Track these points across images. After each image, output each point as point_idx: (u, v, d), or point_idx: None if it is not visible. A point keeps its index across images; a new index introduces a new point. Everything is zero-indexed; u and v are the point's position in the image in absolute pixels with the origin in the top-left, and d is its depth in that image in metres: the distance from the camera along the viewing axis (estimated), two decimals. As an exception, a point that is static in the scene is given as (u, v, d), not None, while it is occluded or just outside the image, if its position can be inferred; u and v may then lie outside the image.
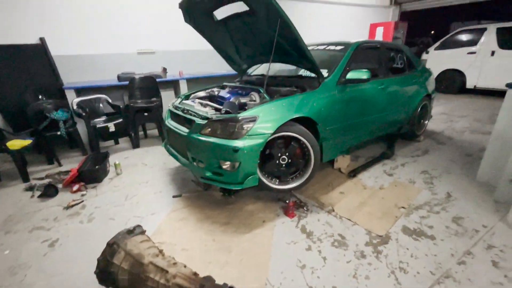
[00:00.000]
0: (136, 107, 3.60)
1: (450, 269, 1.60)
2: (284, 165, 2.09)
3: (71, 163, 3.35)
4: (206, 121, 1.92)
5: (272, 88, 2.43)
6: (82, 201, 2.47)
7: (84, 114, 3.36)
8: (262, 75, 3.01)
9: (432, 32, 13.27)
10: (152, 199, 2.47)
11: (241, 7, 2.15)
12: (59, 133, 3.22)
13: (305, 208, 2.23)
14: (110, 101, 3.84)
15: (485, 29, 6.36)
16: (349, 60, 2.50)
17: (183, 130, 2.13)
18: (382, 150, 3.38)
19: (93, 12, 4.02)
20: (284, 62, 2.51)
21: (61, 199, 2.54)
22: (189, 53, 4.94)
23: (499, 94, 6.53)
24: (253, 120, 1.82)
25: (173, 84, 4.58)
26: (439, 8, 7.50)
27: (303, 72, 2.67)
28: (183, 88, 4.40)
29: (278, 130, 1.89)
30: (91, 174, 2.77)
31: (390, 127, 3.19)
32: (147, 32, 4.48)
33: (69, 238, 2.00)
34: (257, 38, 2.45)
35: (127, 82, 3.87)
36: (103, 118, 3.67)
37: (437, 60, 7.09)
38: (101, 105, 3.79)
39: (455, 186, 2.54)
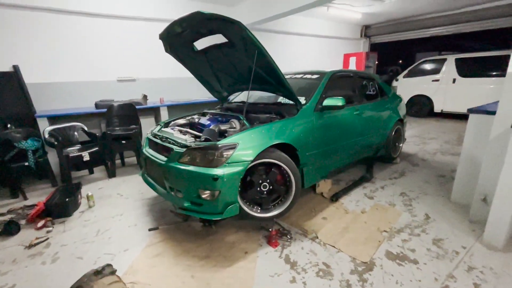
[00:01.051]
0: (114, 135, 3.49)
1: (435, 295, 1.58)
2: (265, 192, 2.06)
3: (39, 196, 3.10)
4: (184, 149, 1.88)
5: (252, 115, 2.47)
6: (47, 239, 2.26)
7: (56, 143, 3.20)
8: (243, 102, 3.06)
9: (400, 61, 14.46)
10: (126, 233, 2.31)
11: (220, 39, 2.24)
12: (27, 163, 3.01)
13: (288, 236, 2.17)
14: (86, 129, 3.70)
15: (445, 59, 7.02)
16: (324, 88, 2.62)
17: (161, 158, 2.07)
18: (361, 173, 3.45)
19: (71, 40, 4.02)
20: (263, 90, 2.59)
21: (23, 237, 2.30)
22: (171, 81, 4.99)
23: (463, 117, 7.07)
24: (232, 147, 1.80)
25: (154, 111, 4.54)
26: (404, 40, 8.28)
27: (282, 99, 2.76)
28: (164, 115, 4.36)
29: (258, 157, 1.89)
30: (60, 207, 2.57)
31: (368, 151, 3.30)
32: (128, 60, 4.51)
33: (27, 283, 1.78)
34: (237, 67, 2.52)
35: (105, 110, 3.78)
36: (77, 146, 3.51)
37: (406, 87, 7.64)
38: (76, 133, 3.64)
39: (432, 207, 2.61)
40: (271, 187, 2.06)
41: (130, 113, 3.85)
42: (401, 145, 3.97)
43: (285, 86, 2.19)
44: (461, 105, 6.74)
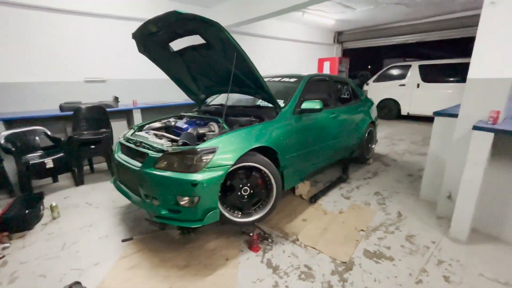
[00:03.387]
0: (81, 140, 3.25)
1: (410, 290, 1.66)
2: (246, 197, 2.03)
3: (-8, 208, 2.78)
4: (161, 154, 1.79)
5: (231, 118, 2.44)
6: (3, 256, 2.02)
7: (13, 149, 2.90)
8: (221, 105, 3.01)
9: (369, 66, 15.28)
10: (96, 246, 2.14)
11: (197, 40, 2.18)
12: (-23, 173, 2.69)
13: (269, 239, 2.15)
14: (49, 133, 3.40)
15: (410, 65, 7.53)
16: (302, 91, 2.66)
17: (135, 164, 1.95)
18: (337, 174, 3.56)
19: (32, 36, 3.70)
20: (242, 92, 2.57)
21: (-27, 256, 2.04)
22: (144, 82, 4.78)
23: (427, 119, 7.62)
24: (212, 151, 1.76)
25: (126, 114, 4.31)
26: (373, 47, 8.76)
27: (261, 102, 2.76)
28: (137, 118, 4.16)
29: (238, 161, 1.86)
30: (18, 220, 2.32)
31: (344, 152, 3.41)
32: (97, 59, 4.25)
33: (-21, 309, 1.58)
34: (215, 69, 2.48)
35: (71, 113, 3.51)
36: (39, 153, 3.22)
37: (376, 91, 8.06)
38: (37, 138, 3.33)
39: (403, 205, 2.75)
40: (251, 191, 2.03)
41: (100, 116, 3.62)
42: (373, 146, 4.16)
43: (264, 89, 2.19)
44: (424, 108, 7.27)
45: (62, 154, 3.13)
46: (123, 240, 2.10)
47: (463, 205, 2.08)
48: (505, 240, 2.14)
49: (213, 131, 2.16)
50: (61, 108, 3.64)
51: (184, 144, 1.93)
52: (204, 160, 1.72)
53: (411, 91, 7.43)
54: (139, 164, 1.90)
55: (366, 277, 1.78)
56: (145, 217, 2.52)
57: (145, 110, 4.26)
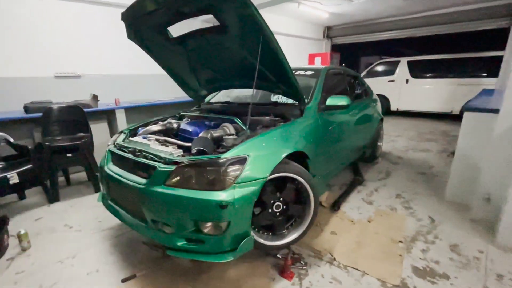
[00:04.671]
0: (55, 147, 2.67)
1: (486, 319, 1.40)
2: (277, 214, 1.66)
3: None
4: (173, 167, 1.37)
5: (243, 117, 2.04)
6: (-48, 312, 1.49)
7: (-36, 162, 2.28)
8: (227, 102, 2.60)
9: (356, 62, 15.46)
10: (84, 286, 1.66)
11: (202, 24, 1.77)
12: None
13: (301, 262, 1.80)
14: (11, 140, 2.78)
15: (398, 61, 7.53)
16: (323, 86, 2.34)
17: (135, 180, 1.51)
18: (348, 176, 3.29)
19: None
20: (257, 87, 2.18)
21: None
22: (126, 78, 4.20)
23: (417, 115, 7.71)
24: (242, 161, 1.37)
25: (107, 115, 3.74)
26: (361, 42, 8.70)
27: (278, 98, 2.39)
28: (121, 120, 3.61)
29: (272, 171, 1.48)
30: (-27, 257, 1.77)
31: (360, 152, 3.15)
32: (69, 51, 3.61)
33: None
34: (224, 60, 2.07)
35: (40, 114, 2.91)
36: (0, 164, 2.60)
37: (366, 87, 8.00)
38: (-5, 146, 2.70)
39: (430, 208, 2.53)
40: (284, 207, 1.66)
41: (77, 117, 3.04)
42: (381, 144, 3.96)
43: (290, 82, 1.82)
44: (414, 104, 7.32)
45: (30, 165, 2.54)
46: (123, 280, 1.63)
47: (512, 209, 1.87)
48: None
49: (232, 134, 1.75)
50: (26, 109, 3.01)
51: (200, 152, 1.51)
52: (233, 174, 1.33)
53: (400, 86, 7.45)
54: (142, 180, 1.46)
55: (429, 304, 1.49)
56: (142, 240, 2.06)
57: (129, 110, 3.71)
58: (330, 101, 2.15)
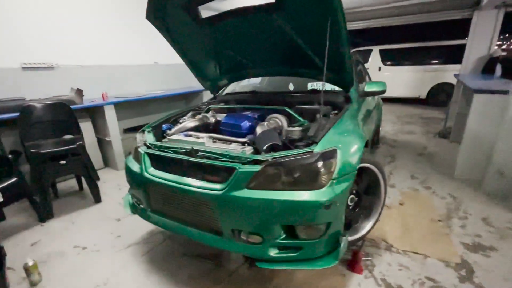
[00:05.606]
0: (46, 154, 2.17)
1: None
2: (351, 207, 1.57)
3: None
4: (258, 166, 1.18)
5: (294, 107, 1.88)
6: None
7: None
8: (253, 92, 2.40)
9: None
10: (139, 316, 1.39)
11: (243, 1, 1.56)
12: None
13: (362, 252, 1.76)
14: (-22, 149, 2.21)
15: (371, 50, 7.92)
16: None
17: (203, 186, 1.27)
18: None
19: None
20: (297, 74, 2.03)
21: None
22: (108, 69, 3.64)
23: (389, 100, 8.24)
24: (333, 154, 1.23)
25: (92, 113, 3.21)
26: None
27: (315, 85, 2.27)
28: (111, 117, 3.13)
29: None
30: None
31: (373, 137, 3.21)
32: (40, 37, 2.97)
33: None
34: (262, 44, 1.87)
35: (9, 115, 2.35)
36: (-32, 181, 2.04)
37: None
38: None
39: (447, 186, 2.69)
40: (357, 199, 1.58)
41: (63, 117, 2.53)
42: (381, 128, 4.12)
43: (344, 68, 1.68)
44: (387, 90, 7.81)
45: (14, 179, 2.04)
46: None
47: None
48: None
49: (298, 125, 1.56)
50: (-9, 108, 2.41)
51: (274, 148, 1.33)
52: (329, 169, 1.19)
53: (373, 73, 7.86)
54: (216, 186, 1.23)
55: (494, 277, 1.57)
56: (183, 252, 1.82)
57: (119, 106, 3.23)
58: (368, 87, 2.10)
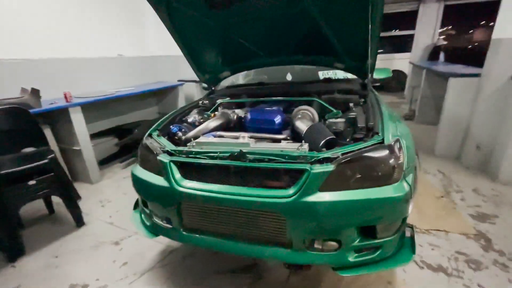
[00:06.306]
0: (8, 175, 1.65)
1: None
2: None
3: None
4: (330, 165, 1.04)
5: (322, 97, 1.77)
6: None
7: None
8: (260, 83, 2.21)
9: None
10: None
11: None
12: None
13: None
14: None
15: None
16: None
17: (263, 194, 1.09)
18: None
19: None
20: (311, 63, 1.92)
21: None
22: (61, 63, 2.99)
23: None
24: (400, 144, 1.16)
25: (52, 118, 2.61)
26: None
27: (326, 74, 2.19)
28: (78, 121, 2.59)
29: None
30: None
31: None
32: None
33: None
34: (279, 31, 1.70)
35: None
36: None
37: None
38: None
39: (433, 164, 2.94)
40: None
41: (20, 125, 1.97)
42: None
43: (365, 55, 1.63)
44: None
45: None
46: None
47: None
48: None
49: (337, 118, 1.45)
50: None
51: (331, 143, 1.22)
52: (401, 161, 1.12)
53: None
54: (281, 192, 1.06)
55: (510, 242, 1.75)
56: (213, 269, 1.60)
57: (86, 107, 2.69)
58: (376, 75, 2.10)
